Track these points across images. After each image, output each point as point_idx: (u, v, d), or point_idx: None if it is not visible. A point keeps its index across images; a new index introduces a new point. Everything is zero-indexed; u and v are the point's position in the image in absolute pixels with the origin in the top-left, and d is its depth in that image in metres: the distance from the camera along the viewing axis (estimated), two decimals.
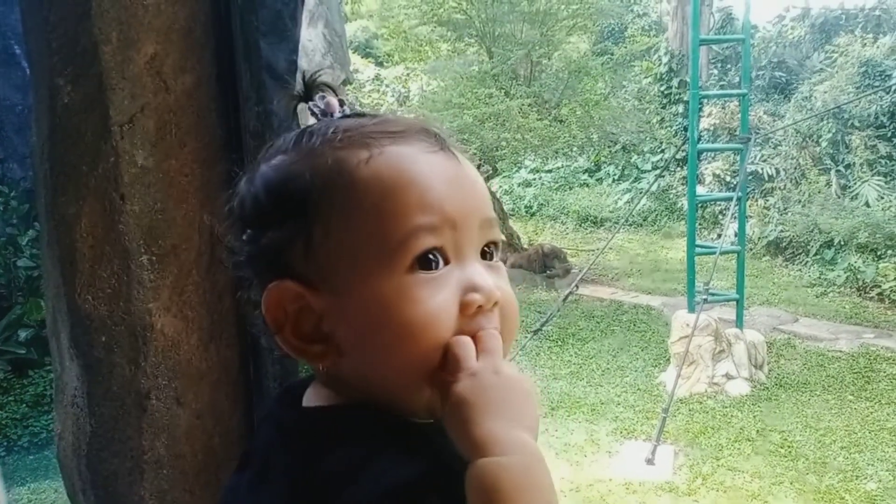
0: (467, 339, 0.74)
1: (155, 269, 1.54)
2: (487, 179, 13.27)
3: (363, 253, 0.75)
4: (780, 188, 12.99)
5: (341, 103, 0.85)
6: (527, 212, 16.01)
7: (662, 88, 15.80)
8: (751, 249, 11.67)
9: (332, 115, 0.84)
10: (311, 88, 0.86)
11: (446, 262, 0.76)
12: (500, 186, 15.34)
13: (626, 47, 16.40)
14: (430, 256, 0.75)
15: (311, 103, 0.85)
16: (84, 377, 1.56)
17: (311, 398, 0.82)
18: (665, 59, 15.95)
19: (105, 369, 1.54)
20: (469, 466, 0.67)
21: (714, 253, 8.56)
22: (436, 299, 0.74)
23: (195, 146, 1.57)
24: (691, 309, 8.49)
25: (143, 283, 1.53)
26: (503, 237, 0.83)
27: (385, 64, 17.86)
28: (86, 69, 1.50)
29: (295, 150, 0.81)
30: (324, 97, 0.85)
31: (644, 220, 14.64)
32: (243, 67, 1.63)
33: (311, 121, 0.86)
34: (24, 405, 7.11)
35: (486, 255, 0.80)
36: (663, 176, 14.17)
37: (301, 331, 0.79)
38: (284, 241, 0.78)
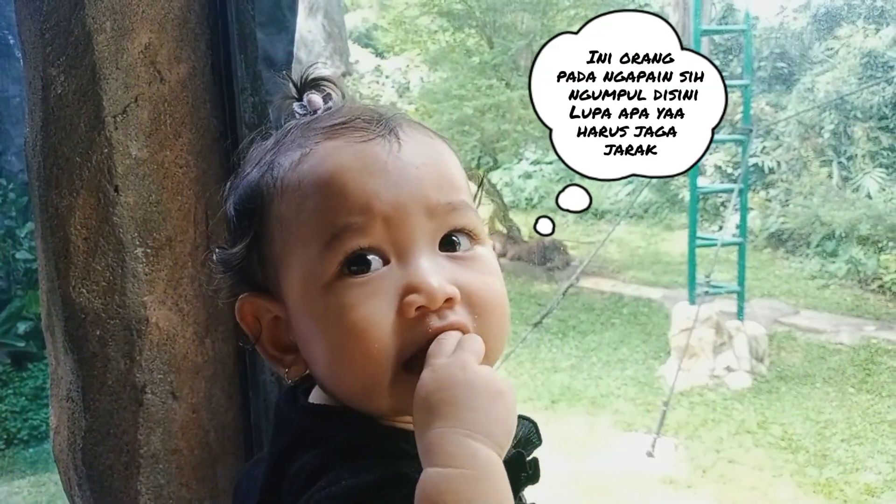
0: (444, 336, 0.68)
1: (150, 261, 1.52)
2: (487, 171, 13.24)
3: (295, 260, 0.72)
4: (781, 180, 12.96)
5: (326, 99, 0.81)
6: (527, 204, 15.97)
7: None
8: (752, 241, 11.65)
9: (314, 114, 0.81)
10: (304, 87, 0.83)
11: (386, 262, 0.70)
12: (501, 178, 15.30)
13: None
14: (368, 258, 0.70)
15: (297, 104, 0.82)
16: (79, 371, 1.54)
17: (314, 394, 0.80)
18: None
19: (100, 363, 1.52)
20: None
21: (715, 245, 8.55)
22: (366, 305, 0.68)
23: (190, 137, 1.55)
24: (692, 301, 8.48)
25: (138, 275, 1.51)
26: (478, 223, 0.75)
27: (385, 55, 17.79)
28: (79, 59, 1.47)
29: (255, 158, 0.79)
30: (309, 94, 0.82)
31: (645, 213, 14.61)
32: (239, 58, 1.61)
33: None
34: (24, 398, 7.12)
35: (454, 244, 0.74)
36: None
37: (278, 341, 0.78)
38: (243, 254, 0.77)
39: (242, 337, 0.80)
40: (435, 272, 0.69)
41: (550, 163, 16.71)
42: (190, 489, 1.60)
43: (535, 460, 0.75)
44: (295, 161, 0.73)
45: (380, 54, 17.96)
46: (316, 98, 0.81)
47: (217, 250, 0.81)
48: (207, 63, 1.59)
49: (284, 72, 0.85)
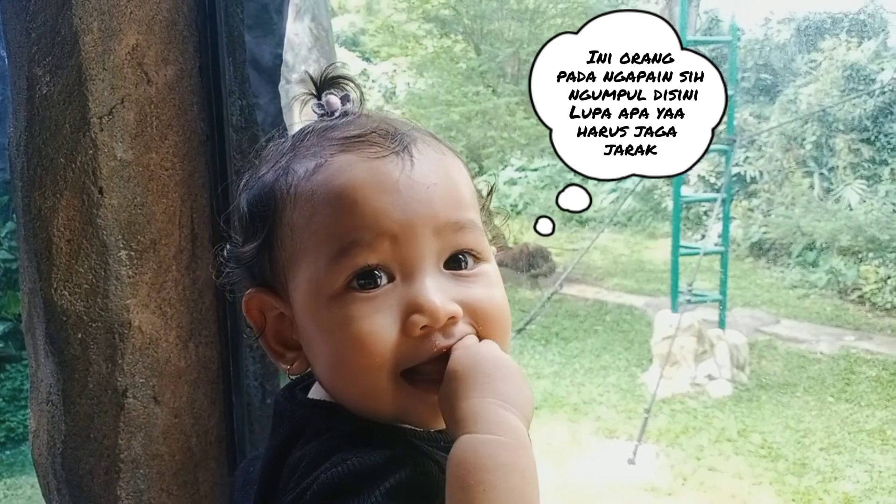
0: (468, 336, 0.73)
1: (133, 264, 1.51)
2: (472, 177, 13.22)
3: (304, 267, 0.73)
4: (763, 190, 13.07)
5: (344, 100, 0.82)
6: (512, 210, 15.99)
7: None
8: (734, 251, 11.73)
9: (331, 115, 0.81)
10: (323, 85, 0.83)
11: (392, 279, 0.72)
12: (486, 184, 15.32)
13: None
14: (375, 273, 0.71)
15: (314, 103, 0.83)
16: (59, 374, 1.52)
17: (313, 390, 0.82)
18: None
19: (81, 366, 1.51)
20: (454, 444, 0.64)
21: (698, 254, 8.60)
22: (369, 319, 0.70)
23: (176, 140, 1.54)
24: (674, 309, 8.52)
25: (121, 278, 1.50)
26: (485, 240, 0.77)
27: (372, 59, 17.78)
28: (65, 59, 1.46)
29: (272, 158, 0.80)
30: (329, 94, 0.82)
31: (629, 221, 14.68)
32: (227, 61, 1.60)
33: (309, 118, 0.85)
34: (1, 399, 7.02)
35: (460, 263, 0.76)
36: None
37: (281, 337, 0.80)
38: (254, 253, 0.78)
39: (248, 329, 0.83)
40: (438, 291, 0.71)
41: (535, 169, 16.76)
42: (171, 495, 1.58)
43: None
44: (309, 171, 0.74)
45: (366, 59, 17.95)
46: (334, 99, 0.82)
47: (228, 246, 0.83)
48: (195, 65, 1.58)
49: (305, 69, 0.85)
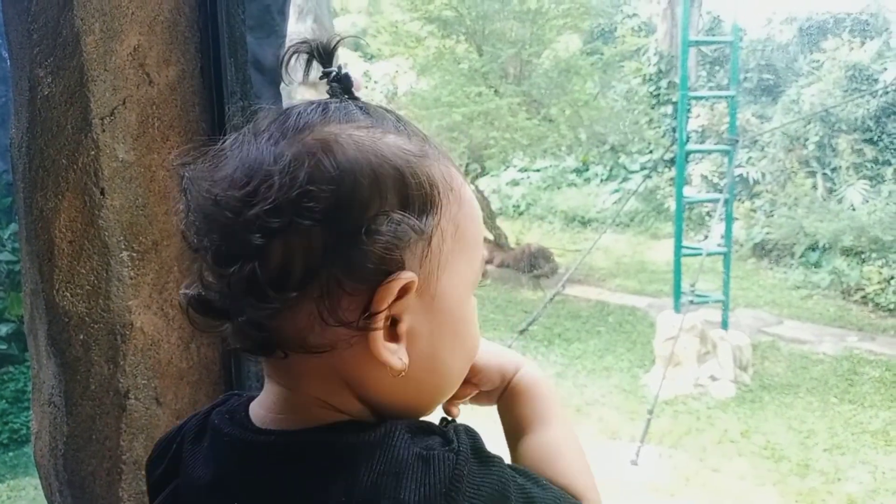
0: None
1: (135, 265, 1.51)
2: (475, 178, 13.27)
3: (462, 265, 0.76)
4: (766, 190, 13.06)
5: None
6: (514, 211, 16.01)
7: (651, 89, 15.85)
8: (737, 251, 11.72)
9: (356, 93, 0.77)
10: (331, 53, 0.76)
11: None
12: (488, 185, 15.33)
13: (615, 47, 16.40)
14: None
15: (341, 71, 0.76)
16: (61, 376, 1.52)
17: (273, 420, 0.72)
18: (654, 60, 16.00)
19: (83, 368, 1.51)
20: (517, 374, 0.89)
21: (700, 254, 8.59)
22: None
23: (178, 140, 1.54)
24: (677, 310, 8.52)
25: (123, 280, 1.49)
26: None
27: (374, 60, 17.80)
28: (67, 60, 1.46)
29: (414, 142, 0.74)
30: (355, 74, 0.77)
31: (631, 221, 14.68)
32: (228, 62, 1.60)
33: (319, 90, 0.78)
34: (4, 401, 7.04)
35: None
36: (651, 177, 14.22)
37: (391, 330, 0.70)
38: (432, 227, 0.70)
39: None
40: None
41: (538, 170, 16.77)
42: None
43: None
44: (460, 179, 0.78)
45: (369, 59, 17.96)
46: (358, 76, 0.78)
47: (394, 215, 0.68)
48: (197, 66, 1.58)
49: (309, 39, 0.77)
